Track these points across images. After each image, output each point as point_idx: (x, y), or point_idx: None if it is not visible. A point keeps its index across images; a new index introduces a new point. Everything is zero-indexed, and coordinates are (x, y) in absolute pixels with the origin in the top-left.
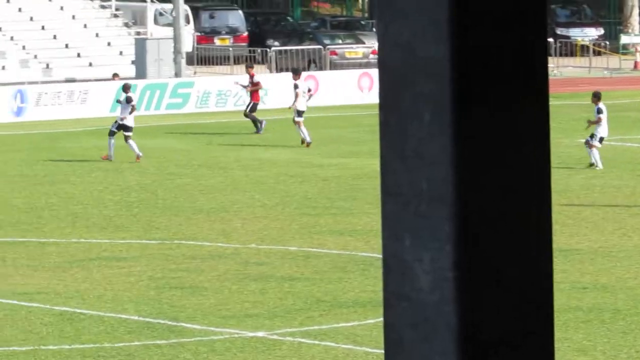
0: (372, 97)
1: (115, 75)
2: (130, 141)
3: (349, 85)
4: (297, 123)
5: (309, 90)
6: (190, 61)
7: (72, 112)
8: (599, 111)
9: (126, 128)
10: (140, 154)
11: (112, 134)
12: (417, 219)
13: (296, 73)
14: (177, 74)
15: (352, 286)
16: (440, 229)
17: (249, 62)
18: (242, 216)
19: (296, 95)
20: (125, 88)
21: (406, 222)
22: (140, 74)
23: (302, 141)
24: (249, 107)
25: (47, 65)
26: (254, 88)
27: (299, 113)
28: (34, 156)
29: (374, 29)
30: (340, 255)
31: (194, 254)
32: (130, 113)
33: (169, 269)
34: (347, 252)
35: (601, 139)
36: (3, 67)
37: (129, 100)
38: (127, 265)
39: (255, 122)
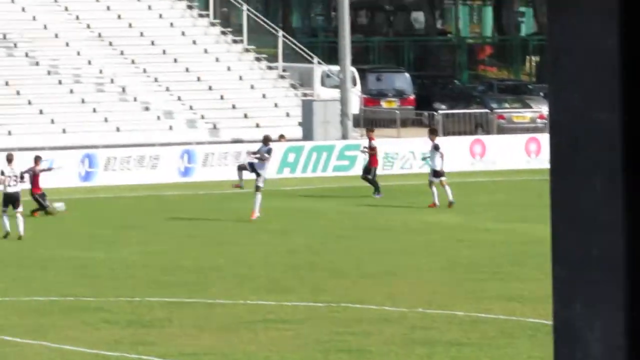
0: (540, 162)
1: (281, 137)
2: (259, 195)
3: (516, 149)
4: (443, 184)
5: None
6: (356, 123)
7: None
8: None
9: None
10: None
11: (257, 188)
12: (588, 285)
13: (433, 133)
14: (344, 136)
15: (519, 352)
16: (612, 296)
17: (371, 126)
18: (409, 280)
19: (441, 156)
20: (266, 140)
21: (577, 289)
22: (307, 135)
23: (450, 203)
24: (364, 171)
25: (214, 125)
26: (371, 152)
27: (436, 173)
28: (202, 217)
29: (542, 93)
30: (507, 321)
31: (360, 317)
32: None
33: (335, 332)
34: (514, 318)
35: None
36: (170, 127)
37: (270, 152)
38: (294, 328)
39: (374, 184)
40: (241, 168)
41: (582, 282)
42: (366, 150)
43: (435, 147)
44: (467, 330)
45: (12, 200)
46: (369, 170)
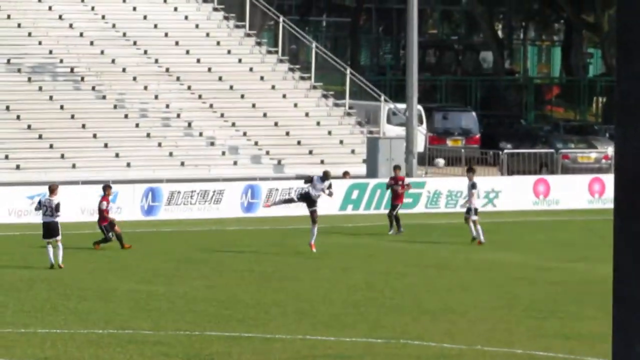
0: (603, 202)
1: (345, 174)
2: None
3: (579, 189)
4: (470, 220)
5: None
6: (421, 161)
7: (303, 209)
8: None
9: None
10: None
11: (316, 220)
12: None
13: (470, 172)
14: (409, 174)
15: None
16: None
17: (399, 164)
18: (469, 317)
19: (471, 195)
20: (325, 176)
21: (638, 329)
22: (371, 173)
23: (473, 239)
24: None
25: (279, 161)
26: (401, 190)
27: (475, 211)
28: (264, 252)
29: (608, 134)
30: None
31: (419, 354)
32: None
33: None
34: (572, 357)
35: None
36: (235, 163)
37: (330, 187)
38: None
39: (393, 221)
40: (287, 201)
41: None
42: (407, 186)
43: (473, 186)
44: None
45: (49, 229)
46: (395, 207)
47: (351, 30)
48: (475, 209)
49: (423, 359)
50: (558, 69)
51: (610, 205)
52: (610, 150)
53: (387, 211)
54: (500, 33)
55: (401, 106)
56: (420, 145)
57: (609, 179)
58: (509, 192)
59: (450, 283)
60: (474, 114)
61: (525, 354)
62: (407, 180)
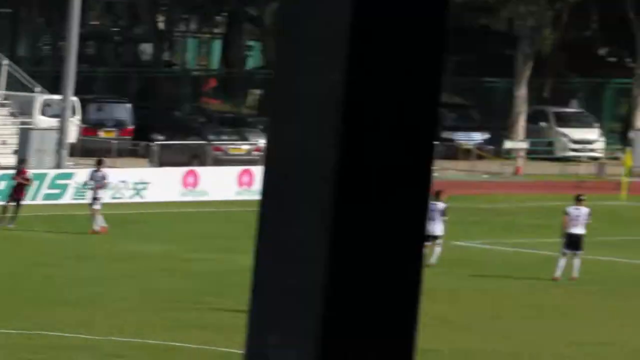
0: (251, 193)
1: None
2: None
3: (228, 181)
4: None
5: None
6: (74, 152)
7: None
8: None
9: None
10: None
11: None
12: (283, 315)
13: (99, 164)
14: (59, 165)
15: None
16: (306, 326)
17: (25, 157)
18: (107, 308)
19: (99, 186)
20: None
21: (272, 318)
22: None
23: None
24: (17, 200)
25: None
26: (26, 182)
27: (98, 201)
28: None
29: (261, 126)
30: (200, 350)
31: (53, 344)
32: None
33: (26, 359)
34: (207, 347)
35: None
36: None
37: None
38: None
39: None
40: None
41: (277, 312)
42: (28, 180)
43: (103, 177)
44: (161, 358)
45: None
46: (18, 199)
47: (11, 20)
48: (99, 199)
49: (57, 349)
50: (218, 61)
51: (258, 196)
52: (261, 142)
53: (31, 203)
54: (162, 25)
55: (56, 97)
56: (72, 136)
57: (258, 171)
58: (158, 184)
59: (90, 274)
60: (128, 105)
61: (160, 345)
62: (30, 174)
